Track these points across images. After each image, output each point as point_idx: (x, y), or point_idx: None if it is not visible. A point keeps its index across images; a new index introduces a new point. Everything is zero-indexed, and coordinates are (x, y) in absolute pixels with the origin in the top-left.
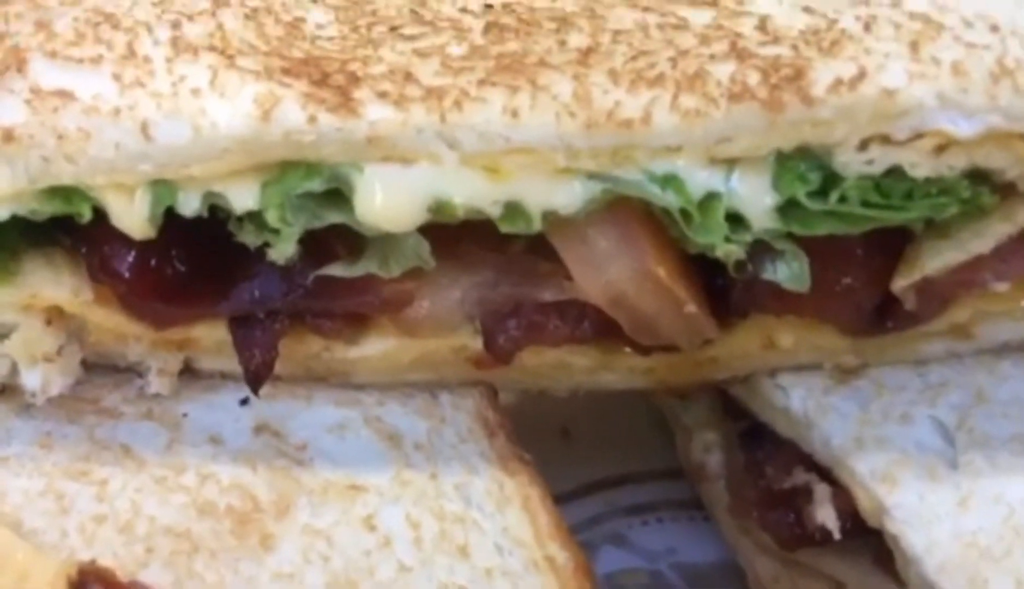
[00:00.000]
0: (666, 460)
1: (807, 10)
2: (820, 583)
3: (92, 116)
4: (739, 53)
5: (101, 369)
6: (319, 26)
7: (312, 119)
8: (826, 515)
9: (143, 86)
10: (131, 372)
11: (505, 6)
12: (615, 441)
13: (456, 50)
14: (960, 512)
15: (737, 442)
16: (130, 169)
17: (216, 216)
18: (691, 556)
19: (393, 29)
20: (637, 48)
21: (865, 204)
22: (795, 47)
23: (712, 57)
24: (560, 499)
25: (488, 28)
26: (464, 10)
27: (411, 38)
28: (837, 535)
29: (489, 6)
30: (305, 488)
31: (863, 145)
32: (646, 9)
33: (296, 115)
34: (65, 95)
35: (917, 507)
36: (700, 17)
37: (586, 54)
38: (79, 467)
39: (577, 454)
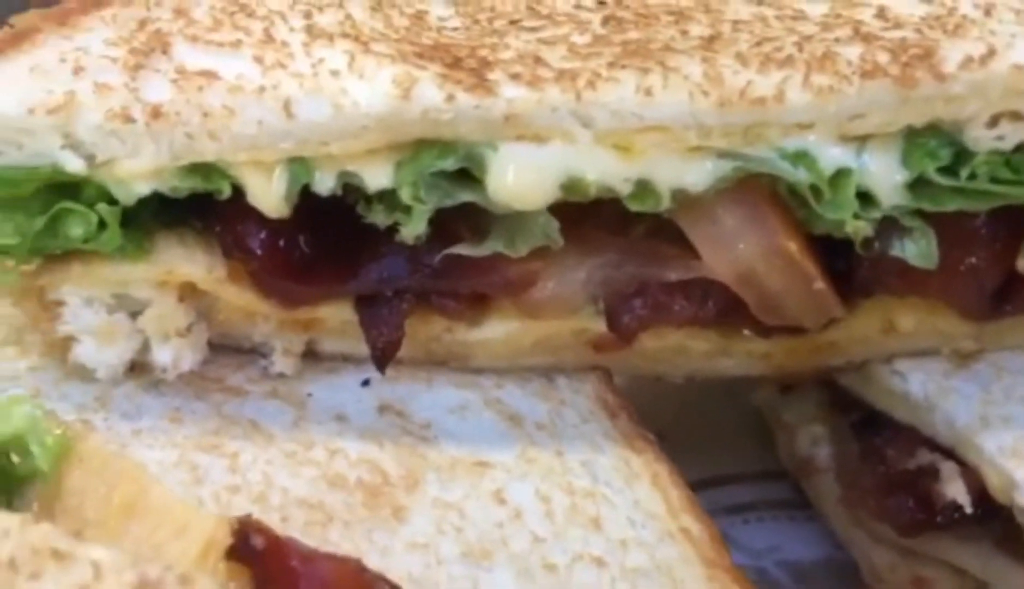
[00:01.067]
0: (761, 462)
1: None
2: (939, 571)
3: (236, 95)
4: (864, 37)
5: (224, 350)
6: (441, 19)
7: (450, 98)
8: (956, 490)
9: (284, 68)
10: (254, 353)
11: (618, 2)
12: (709, 444)
13: (580, 39)
14: None
15: (850, 433)
16: (271, 146)
17: (343, 199)
18: (795, 553)
19: (513, 22)
20: (759, 35)
21: (994, 180)
22: (919, 31)
23: (837, 40)
24: None
25: (607, 20)
26: (578, 6)
27: (532, 29)
28: (969, 509)
29: (602, 2)
30: (432, 464)
31: (993, 121)
32: (760, 3)
33: (434, 94)
34: (209, 75)
35: None
36: (816, 8)
37: (710, 41)
38: (210, 440)
39: (672, 457)
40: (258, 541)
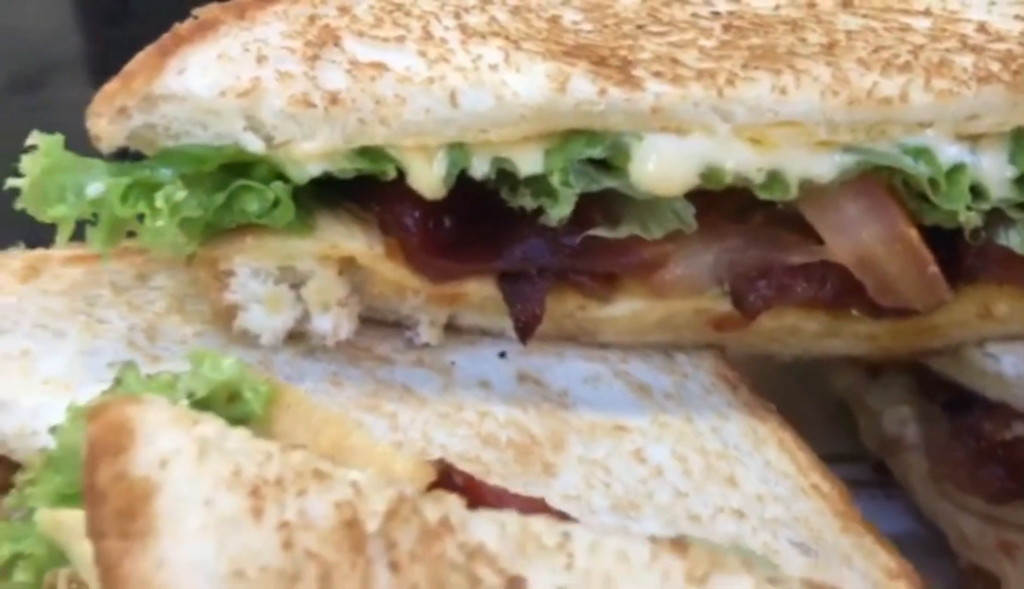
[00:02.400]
0: (837, 446)
1: (1018, 17)
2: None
3: (406, 85)
4: (972, 48)
5: (369, 323)
6: (575, 22)
7: (602, 91)
8: None
9: (447, 62)
10: (398, 326)
11: (731, 13)
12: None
13: (707, 43)
14: None
15: (940, 412)
16: (435, 133)
17: (487, 186)
18: (882, 528)
19: (640, 27)
20: (874, 44)
21: None
22: (1022, 44)
23: (948, 50)
24: None
25: (727, 28)
26: (695, 16)
27: (660, 34)
28: None
29: (717, 13)
30: (574, 427)
31: None
32: (866, 16)
33: (587, 88)
34: (380, 67)
35: None
36: (920, 23)
37: (829, 48)
38: (369, 402)
39: None
40: (458, 478)
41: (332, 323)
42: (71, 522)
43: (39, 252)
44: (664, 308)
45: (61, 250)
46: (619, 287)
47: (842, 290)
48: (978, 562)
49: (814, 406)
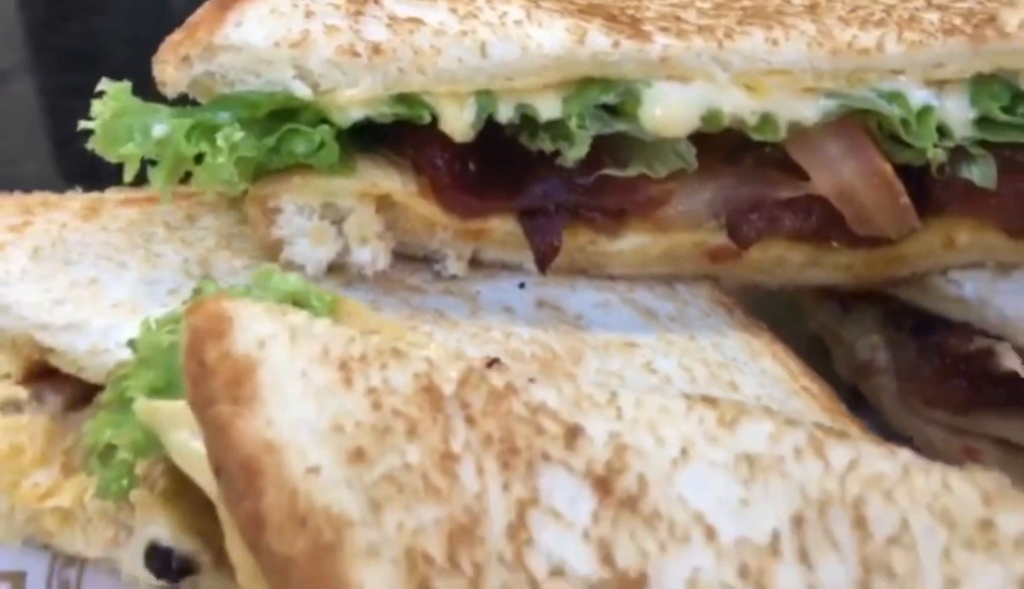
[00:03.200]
0: None
1: None
2: (983, 443)
3: (441, 37)
4: (937, 6)
5: (401, 258)
6: None
7: (616, 44)
8: (1012, 361)
9: (476, 17)
10: (427, 261)
11: None
12: None
13: (704, 5)
14: None
15: (907, 336)
16: (467, 80)
17: (509, 131)
18: None
19: None
20: (851, 4)
21: None
22: (980, 3)
23: (917, 8)
24: None
25: None
26: None
27: None
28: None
29: None
30: (589, 344)
31: None
32: None
33: (602, 40)
34: (416, 21)
35: None
36: None
37: (811, 8)
38: (407, 324)
39: None
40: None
41: (370, 255)
42: (165, 411)
43: (95, 195)
44: (666, 241)
45: (115, 194)
46: (626, 223)
47: (824, 221)
48: None
49: (791, 343)
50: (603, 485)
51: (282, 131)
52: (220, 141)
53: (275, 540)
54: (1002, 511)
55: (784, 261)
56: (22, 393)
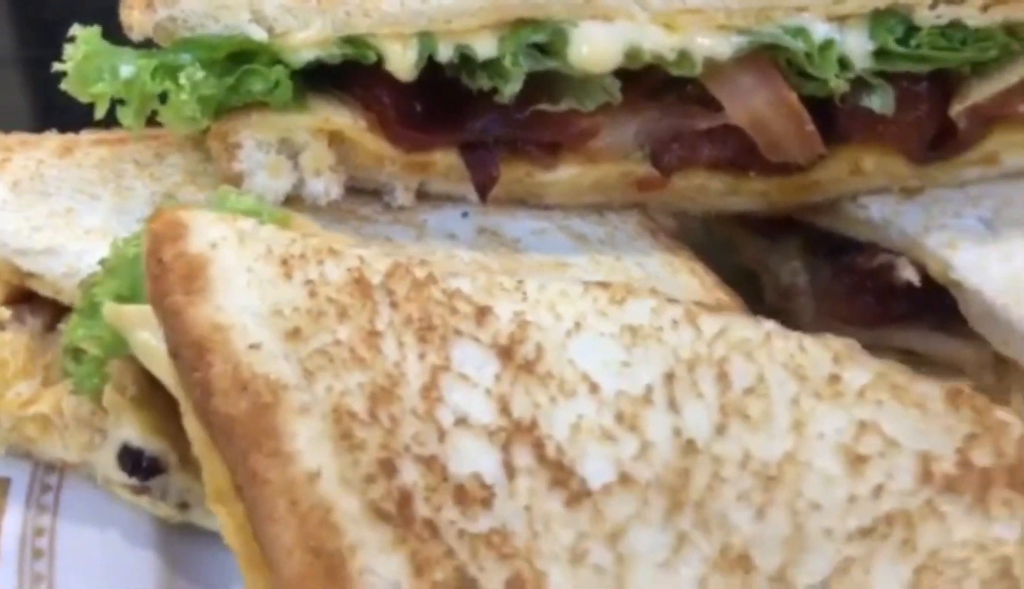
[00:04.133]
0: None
1: None
2: (890, 354)
3: None
4: None
5: (353, 192)
6: None
7: None
8: (909, 273)
9: None
10: (377, 193)
11: None
12: None
13: None
14: (1005, 262)
15: (823, 260)
16: (408, 23)
17: (448, 72)
18: None
19: None
20: None
21: (934, 48)
22: None
23: None
24: None
25: None
26: None
27: None
28: (917, 283)
29: None
30: (525, 265)
31: (934, 4)
32: None
33: None
34: None
35: (973, 260)
36: None
37: None
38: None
39: None
40: None
41: (323, 186)
42: (129, 313)
43: (70, 135)
44: (597, 172)
45: (89, 135)
46: (560, 155)
47: (739, 150)
48: None
49: (726, 277)
50: (505, 353)
51: (240, 71)
52: (183, 80)
53: (221, 403)
54: (849, 368)
55: (705, 189)
56: (5, 314)
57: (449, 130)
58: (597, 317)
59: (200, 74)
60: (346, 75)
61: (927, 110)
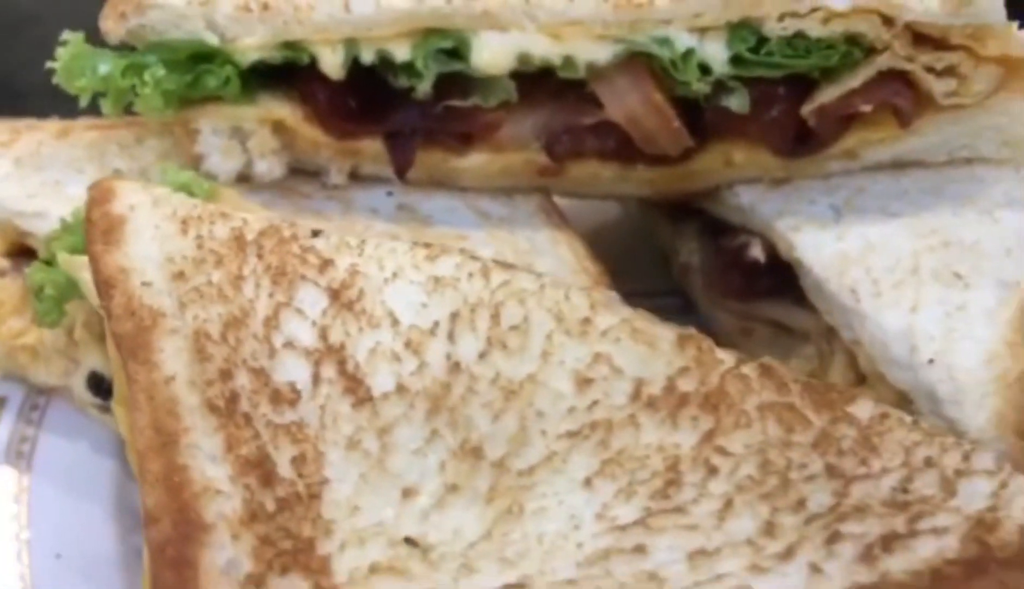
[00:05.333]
0: (661, 285)
1: None
2: (758, 324)
3: None
4: None
5: (295, 172)
6: None
7: (449, 1)
8: (757, 252)
9: None
10: (316, 174)
11: None
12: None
13: None
14: (838, 242)
15: (711, 241)
16: (335, 30)
17: (376, 70)
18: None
19: None
20: None
21: (783, 56)
22: None
23: None
24: None
25: None
26: None
27: None
28: (762, 260)
29: None
30: (430, 236)
31: (781, 17)
32: None
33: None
34: None
35: (812, 241)
36: None
37: None
38: (293, 219)
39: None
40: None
41: (268, 167)
42: (78, 262)
43: (67, 121)
44: (503, 160)
45: (84, 121)
46: (470, 144)
47: (620, 142)
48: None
49: (644, 256)
50: (335, 295)
51: (198, 70)
52: (147, 77)
53: (116, 325)
54: (602, 313)
55: (598, 176)
56: (4, 263)
57: (374, 121)
58: (412, 269)
59: (162, 72)
60: (287, 73)
61: (784, 110)
